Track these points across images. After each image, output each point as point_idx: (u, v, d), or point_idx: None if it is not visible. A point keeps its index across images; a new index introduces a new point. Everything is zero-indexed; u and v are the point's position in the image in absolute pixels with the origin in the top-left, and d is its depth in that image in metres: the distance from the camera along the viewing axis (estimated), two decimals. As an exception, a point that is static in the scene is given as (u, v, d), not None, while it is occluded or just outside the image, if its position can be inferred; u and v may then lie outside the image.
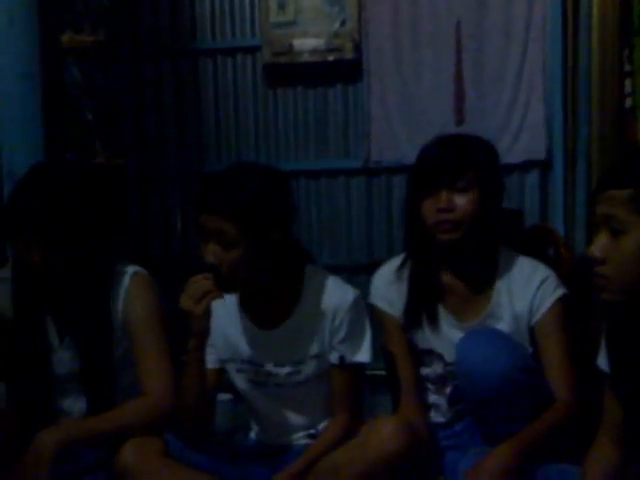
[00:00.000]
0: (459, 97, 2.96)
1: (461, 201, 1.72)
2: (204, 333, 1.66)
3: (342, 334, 1.74)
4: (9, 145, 2.19)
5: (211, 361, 1.79)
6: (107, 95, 3.17)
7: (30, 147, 2.20)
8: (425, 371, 1.86)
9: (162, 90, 3.26)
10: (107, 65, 3.18)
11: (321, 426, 1.82)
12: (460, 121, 2.94)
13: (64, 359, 1.80)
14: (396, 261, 1.89)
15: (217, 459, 1.77)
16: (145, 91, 3.27)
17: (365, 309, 1.80)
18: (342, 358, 1.75)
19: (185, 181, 3.22)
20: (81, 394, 1.80)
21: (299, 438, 1.84)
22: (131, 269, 1.82)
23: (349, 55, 3.06)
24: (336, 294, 1.76)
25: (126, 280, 1.80)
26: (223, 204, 1.61)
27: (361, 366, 1.78)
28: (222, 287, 1.63)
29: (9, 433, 1.80)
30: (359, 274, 2.96)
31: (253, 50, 3.16)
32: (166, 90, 3.26)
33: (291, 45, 3.09)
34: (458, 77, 2.96)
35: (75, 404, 1.82)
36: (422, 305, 1.81)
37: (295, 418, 1.84)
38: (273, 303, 1.77)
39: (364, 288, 1.87)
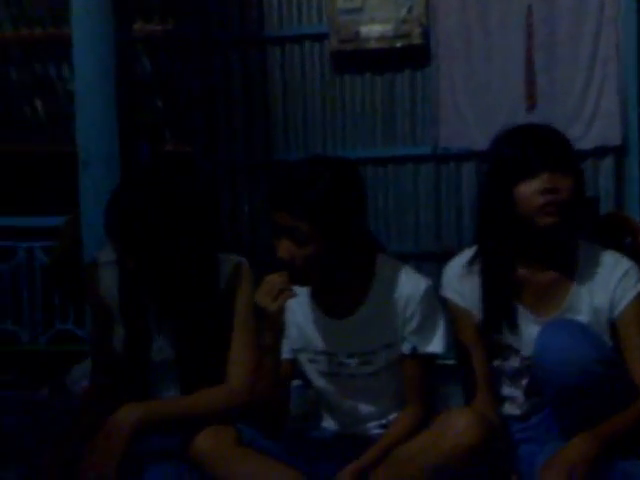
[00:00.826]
0: (530, 82, 2.89)
1: (564, 183, 1.68)
2: (279, 329, 1.68)
3: (414, 324, 1.73)
4: (85, 134, 2.25)
5: (285, 351, 1.80)
6: (176, 84, 3.22)
7: (105, 136, 2.26)
8: (501, 364, 1.83)
9: (230, 78, 3.28)
10: (176, 54, 3.22)
11: (392, 417, 1.81)
12: (531, 107, 2.88)
13: (161, 347, 1.83)
14: (468, 253, 1.86)
15: (290, 448, 1.78)
16: (213, 79, 3.30)
17: (438, 299, 1.78)
18: (414, 348, 1.74)
19: (253, 169, 3.25)
20: (174, 382, 1.83)
21: (371, 428, 1.84)
22: (232, 259, 1.83)
23: (417, 41, 3.03)
24: (408, 284, 1.74)
25: (226, 269, 1.81)
26: (295, 202, 1.61)
27: (433, 357, 1.76)
28: (295, 281, 1.64)
29: (93, 412, 1.84)
30: (427, 262, 2.94)
31: (320, 37, 3.16)
32: (234, 78, 3.28)
33: (358, 32, 3.07)
34: (529, 62, 2.90)
35: (168, 392, 1.86)
36: (498, 302, 1.78)
37: (367, 408, 1.83)
38: (345, 293, 1.77)
39: (432, 276, 1.84)
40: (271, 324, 1.66)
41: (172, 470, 1.67)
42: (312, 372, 1.85)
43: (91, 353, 1.99)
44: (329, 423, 1.91)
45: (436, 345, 1.74)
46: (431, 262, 2.84)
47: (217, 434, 1.67)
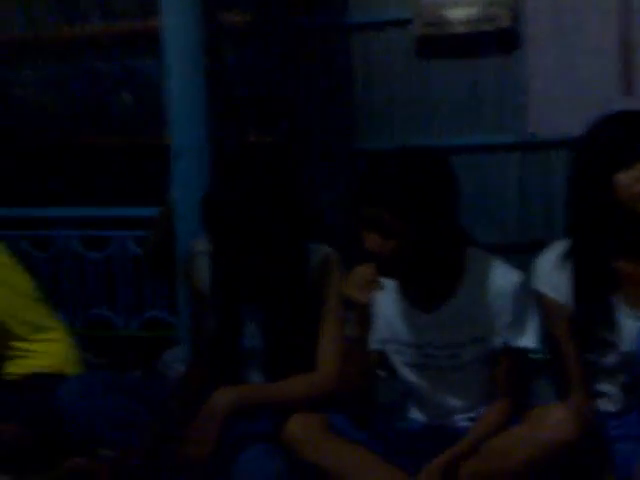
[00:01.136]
0: (627, 66, 2.77)
1: None
2: (367, 321, 1.68)
3: (506, 318, 1.70)
4: (176, 127, 2.30)
5: (372, 342, 1.80)
6: (257, 74, 3.24)
7: (196, 128, 2.30)
8: (597, 359, 1.78)
9: (312, 67, 3.28)
10: (257, 44, 3.24)
11: (481, 410, 1.79)
12: (628, 91, 2.75)
13: (251, 335, 1.87)
14: (561, 244, 1.81)
15: (377, 438, 1.79)
16: (295, 68, 3.31)
17: (530, 293, 1.75)
18: (506, 343, 1.72)
19: (334, 159, 3.25)
20: (261, 369, 1.87)
21: (459, 421, 1.83)
22: (321, 249, 1.85)
23: (505, 24, 2.95)
24: (501, 277, 1.71)
25: (315, 260, 1.83)
26: (383, 196, 1.60)
27: (525, 351, 1.73)
28: (383, 274, 1.64)
29: (189, 394, 1.90)
30: (513, 254, 2.87)
31: (404, 23, 3.11)
32: (316, 66, 3.28)
33: (443, 16, 3.01)
34: (626, 44, 2.77)
35: (256, 378, 1.90)
36: (593, 296, 1.73)
37: (454, 401, 1.82)
38: (433, 286, 1.76)
39: (519, 268, 1.80)
40: (359, 316, 1.68)
41: (264, 453, 1.71)
42: (399, 363, 1.85)
43: (189, 338, 2.05)
44: (416, 414, 1.91)
45: (528, 340, 1.71)
46: (518, 254, 2.77)
47: (307, 420, 1.71)
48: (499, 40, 2.99)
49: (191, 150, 2.29)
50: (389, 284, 1.77)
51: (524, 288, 1.72)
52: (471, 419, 1.80)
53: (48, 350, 2.28)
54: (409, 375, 1.85)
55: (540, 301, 1.80)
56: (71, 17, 3.72)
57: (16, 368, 2.24)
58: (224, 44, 2.93)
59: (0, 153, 4.00)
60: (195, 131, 2.29)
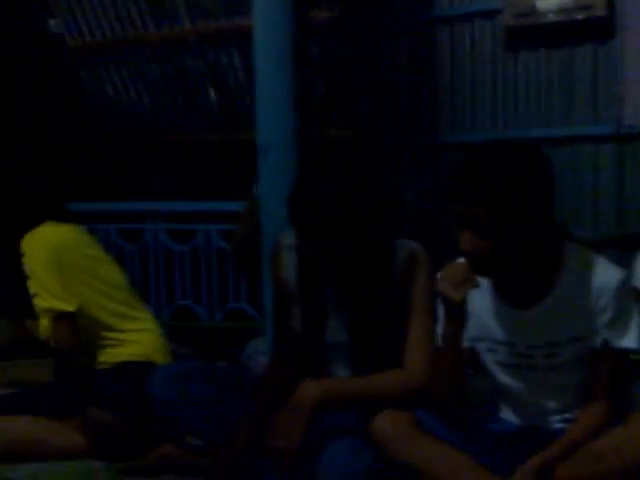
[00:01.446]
0: None
1: None
2: (462, 318, 1.64)
3: (607, 317, 1.63)
4: (264, 122, 2.31)
5: (464, 339, 1.76)
6: (341, 69, 3.23)
7: (283, 123, 2.31)
8: None
9: (398, 60, 3.25)
10: (343, 39, 3.24)
11: (576, 411, 1.73)
12: None
13: (335, 329, 1.85)
14: None
15: (468, 437, 1.75)
16: (380, 63, 3.28)
17: (630, 290, 1.67)
18: (606, 343, 1.65)
19: (419, 152, 3.21)
20: (347, 364, 1.86)
21: (554, 422, 1.76)
22: (408, 244, 1.83)
23: (600, 12, 2.84)
24: (601, 274, 1.64)
25: (402, 255, 1.80)
26: (479, 195, 1.54)
27: (626, 352, 1.66)
28: (478, 272, 1.60)
29: (274, 386, 1.91)
30: (609, 249, 2.76)
31: (492, 14, 3.04)
32: (402, 60, 3.24)
33: (534, 5, 2.93)
34: None
35: (340, 373, 1.88)
36: None
37: (548, 401, 1.76)
38: (529, 283, 1.70)
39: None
40: (453, 313, 1.64)
41: (351, 448, 1.69)
42: (490, 362, 1.80)
43: (273, 330, 2.06)
44: (508, 414, 1.86)
45: (630, 339, 1.63)
46: (613, 250, 2.67)
47: (395, 416, 1.68)
48: (593, 29, 2.89)
49: (278, 145, 2.30)
50: (482, 280, 1.72)
51: (626, 285, 1.65)
52: (566, 420, 1.74)
53: (138, 339, 2.34)
54: (501, 375, 1.80)
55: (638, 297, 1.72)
56: (160, 19, 3.80)
57: (108, 357, 2.31)
58: (310, 40, 2.95)
59: (93, 150, 4.14)
60: (282, 126, 2.29)
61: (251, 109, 3.73)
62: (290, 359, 1.94)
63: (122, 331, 2.33)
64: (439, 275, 1.66)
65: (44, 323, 2.22)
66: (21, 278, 2.23)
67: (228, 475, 1.83)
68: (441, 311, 1.74)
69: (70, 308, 2.20)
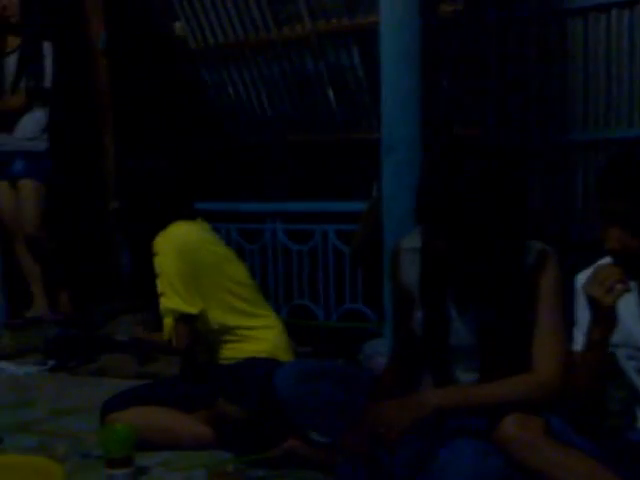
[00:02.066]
0: None
1: None
2: (611, 323, 1.57)
3: None
4: (390, 120, 2.30)
5: None
6: (466, 64, 3.16)
7: (409, 121, 2.28)
8: None
9: (526, 55, 3.14)
10: (467, 34, 3.17)
11: None
12: None
13: (459, 332, 1.81)
14: None
15: (603, 447, 1.67)
16: (508, 57, 3.18)
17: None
18: None
19: (548, 150, 3.09)
20: (472, 368, 1.82)
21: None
22: (537, 245, 1.77)
23: None
24: None
25: (531, 255, 1.75)
26: (629, 187, 1.48)
27: None
28: (628, 272, 1.52)
29: (390, 390, 1.89)
30: None
31: (631, 4, 2.88)
32: (531, 55, 3.13)
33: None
34: None
35: (465, 377, 1.85)
36: None
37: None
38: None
39: None
40: (602, 318, 1.56)
41: (479, 449, 1.64)
42: (630, 369, 1.71)
43: (393, 333, 2.04)
44: (647, 427, 1.76)
45: None
46: None
47: (525, 422, 1.61)
48: None
49: (403, 143, 2.28)
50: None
51: None
52: None
53: (262, 336, 2.38)
54: (640, 383, 1.70)
55: None
56: (281, 19, 3.86)
57: (233, 352, 2.35)
58: (436, 35, 2.89)
59: (215, 151, 4.27)
60: (407, 124, 2.27)
61: (370, 108, 3.76)
62: (408, 362, 1.92)
63: (246, 328, 2.37)
64: (587, 277, 1.59)
65: (168, 322, 2.29)
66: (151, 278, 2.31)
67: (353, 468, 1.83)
68: (581, 315, 1.68)
69: (193, 311, 2.26)
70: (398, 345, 1.98)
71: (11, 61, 3.69)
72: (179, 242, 2.30)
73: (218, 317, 2.32)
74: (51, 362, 3.40)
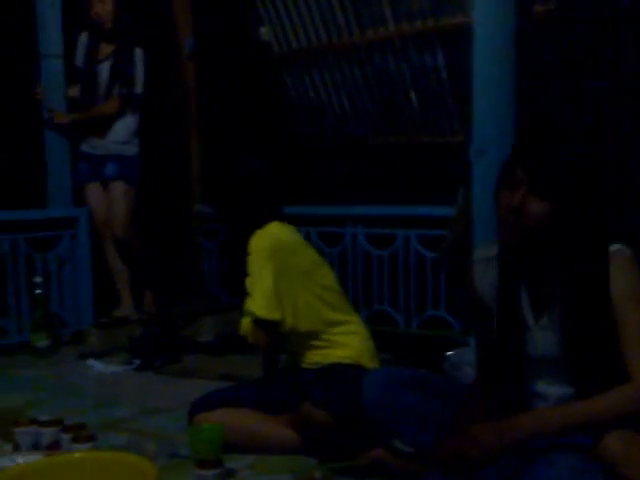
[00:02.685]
0: None
1: None
2: None
3: None
4: (481, 122, 2.25)
5: None
6: (559, 65, 3.06)
7: (501, 124, 2.23)
8: None
9: (621, 56, 3.02)
10: (560, 34, 3.07)
11: None
12: None
13: (538, 340, 1.75)
14: None
15: None
16: (600, 59, 3.07)
17: None
18: None
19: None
20: (556, 379, 1.75)
21: None
22: (620, 248, 1.69)
23: None
24: None
25: (616, 260, 1.66)
26: None
27: None
28: None
29: (477, 404, 1.84)
30: None
31: None
32: (626, 55, 3.01)
33: None
34: None
35: (550, 388, 1.78)
36: None
37: None
38: None
39: None
40: None
41: (572, 464, 1.57)
42: None
43: (475, 345, 1.99)
44: None
45: None
46: None
47: (632, 439, 1.54)
48: None
49: (495, 146, 2.22)
50: None
51: None
52: None
53: (347, 342, 2.36)
54: None
55: None
56: (365, 23, 3.85)
57: (318, 357, 2.34)
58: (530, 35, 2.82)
59: (295, 154, 4.29)
60: (500, 126, 2.21)
61: (453, 111, 3.70)
62: (494, 375, 1.86)
63: (332, 333, 2.35)
64: None
65: (246, 322, 2.30)
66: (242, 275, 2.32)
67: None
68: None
69: (274, 317, 2.26)
70: (481, 357, 1.93)
71: (104, 68, 3.79)
72: (274, 242, 2.30)
73: (305, 322, 2.32)
74: (137, 361, 3.48)
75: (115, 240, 3.89)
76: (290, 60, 4.21)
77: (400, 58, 3.80)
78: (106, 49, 3.80)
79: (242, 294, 2.33)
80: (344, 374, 2.25)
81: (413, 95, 3.84)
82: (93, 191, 3.91)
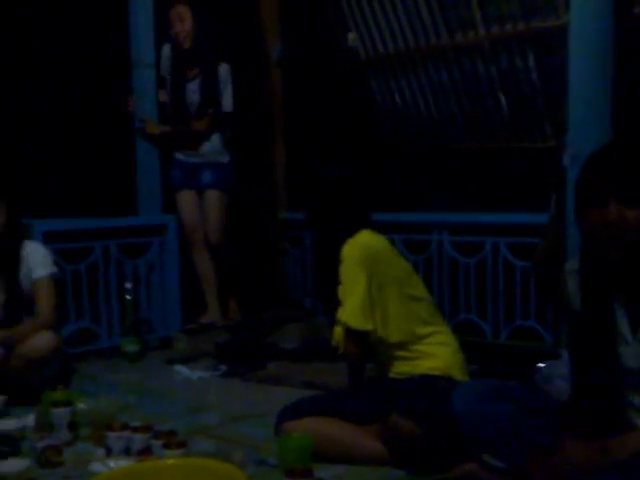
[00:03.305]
0: None
1: None
2: None
3: None
4: (577, 128, 2.16)
5: None
6: None
7: (597, 129, 2.14)
8: None
9: None
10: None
11: None
12: None
13: (637, 353, 1.66)
14: None
15: None
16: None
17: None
18: None
19: None
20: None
21: None
22: None
23: None
24: None
25: None
26: None
27: None
28: None
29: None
30: None
31: None
32: None
33: None
34: None
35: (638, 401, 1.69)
36: None
37: None
38: None
39: None
40: None
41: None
42: None
43: (569, 358, 1.90)
44: None
45: None
46: None
47: None
48: None
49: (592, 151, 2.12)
50: None
51: None
52: None
53: (437, 353, 2.30)
54: None
55: None
56: (454, 27, 3.79)
57: (407, 368, 2.29)
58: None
59: (380, 160, 4.25)
60: (597, 130, 2.12)
61: (544, 115, 3.58)
62: (591, 390, 1.77)
63: (422, 344, 2.30)
64: None
65: (338, 331, 2.28)
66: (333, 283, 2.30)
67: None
68: None
69: (366, 327, 2.23)
70: (575, 371, 1.85)
71: (193, 89, 3.84)
72: (366, 251, 2.28)
73: (395, 332, 2.27)
74: (223, 367, 3.51)
75: (208, 246, 3.95)
76: (376, 65, 4.18)
77: (489, 61, 3.71)
78: (192, 69, 3.84)
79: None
80: (433, 385, 2.20)
81: (502, 99, 3.74)
82: (186, 198, 3.97)
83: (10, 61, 3.62)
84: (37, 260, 3.05)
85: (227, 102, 3.83)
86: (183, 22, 3.73)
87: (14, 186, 3.31)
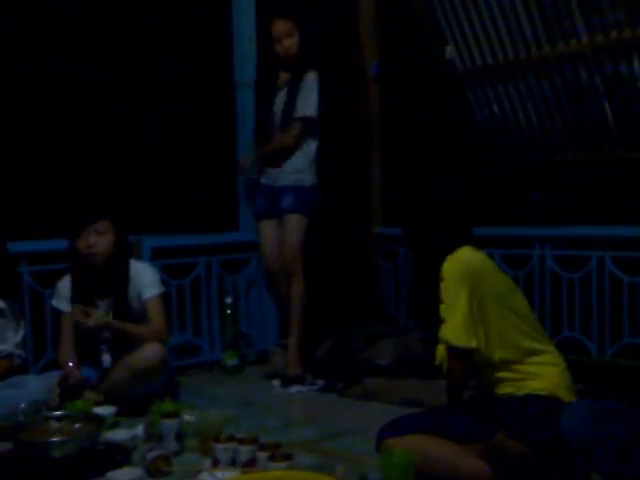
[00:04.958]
0: None
1: None
2: None
3: None
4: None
5: None
6: None
7: None
8: None
9: None
10: None
11: None
12: None
13: None
14: None
15: None
16: None
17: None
18: None
19: None
20: None
21: None
22: None
23: None
24: None
25: None
26: None
27: None
28: None
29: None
30: None
31: None
32: None
33: None
34: None
35: None
36: None
37: None
38: None
39: None
40: None
41: None
42: None
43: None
44: None
45: None
46: None
47: None
48: None
49: None
50: None
51: None
52: None
53: (542, 373, 2.22)
54: None
55: None
56: (555, 36, 3.69)
57: (512, 389, 2.22)
58: None
59: (480, 174, 4.17)
60: None
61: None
62: None
63: (527, 363, 2.23)
64: None
65: (441, 349, 2.23)
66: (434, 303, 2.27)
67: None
68: None
69: (469, 345, 2.17)
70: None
71: (280, 96, 3.73)
72: (467, 267, 2.24)
73: (498, 351, 2.21)
74: (320, 382, 3.53)
75: (284, 271, 3.81)
76: (474, 78, 4.12)
77: (593, 70, 3.59)
78: (284, 77, 3.76)
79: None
80: (540, 405, 2.13)
81: (607, 108, 3.61)
82: (267, 229, 3.87)
83: (122, 84, 3.76)
84: (146, 280, 3.14)
85: (309, 106, 3.67)
86: (291, 36, 3.66)
87: (122, 205, 3.44)
